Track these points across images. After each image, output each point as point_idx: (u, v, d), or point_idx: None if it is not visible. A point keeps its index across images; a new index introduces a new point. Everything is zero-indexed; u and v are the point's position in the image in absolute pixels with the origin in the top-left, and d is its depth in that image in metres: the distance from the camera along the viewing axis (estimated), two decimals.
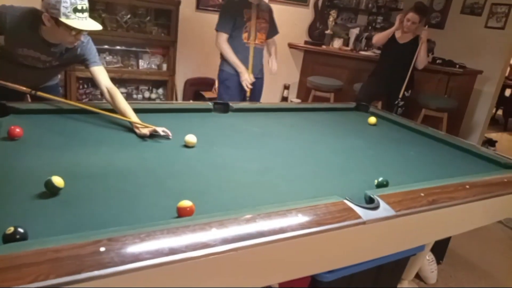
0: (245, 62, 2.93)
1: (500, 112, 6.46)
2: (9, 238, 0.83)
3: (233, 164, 1.52)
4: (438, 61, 4.41)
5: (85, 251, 0.81)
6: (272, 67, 3.05)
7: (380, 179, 1.40)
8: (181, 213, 1.05)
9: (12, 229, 0.84)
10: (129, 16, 3.66)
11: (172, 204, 1.08)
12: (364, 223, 1.10)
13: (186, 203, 1.06)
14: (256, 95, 3.10)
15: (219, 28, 2.89)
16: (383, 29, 4.37)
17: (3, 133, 1.47)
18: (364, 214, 1.12)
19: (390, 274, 1.68)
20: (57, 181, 1.10)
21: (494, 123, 6.17)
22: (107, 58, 3.73)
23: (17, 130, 1.45)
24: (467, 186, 1.41)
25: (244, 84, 2.89)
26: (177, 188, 1.25)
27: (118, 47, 3.78)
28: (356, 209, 1.13)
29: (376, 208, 1.17)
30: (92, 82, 3.73)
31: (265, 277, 1.05)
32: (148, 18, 3.79)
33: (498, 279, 2.43)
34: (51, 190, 1.09)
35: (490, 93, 4.59)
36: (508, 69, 6.10)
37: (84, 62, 1.94)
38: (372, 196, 1.22)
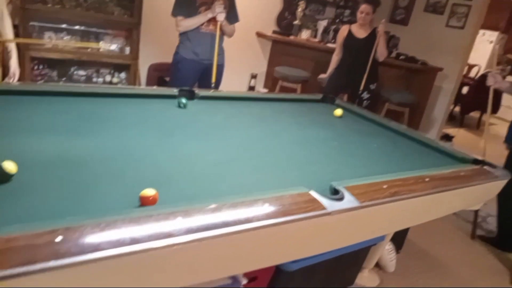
0: (201, 48, 2.92)
1: (457, 108, 6.76)
2: None
3: (196, 154, 1.48)
4: (401, 57, 4.54)
5: (40, 241, 0.76)
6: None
7: None
8: (144, 202, 1.02)
9: None
10: None
11: (134, 193, 1.04)
12: (329, 214, 1.11)
13: (149, 191, 1.02)
14: (211, 82, 3.04)
15: (175, 13, 2.89)
16: (350, 22, 4.43)
17: None
18: (330, 205, 1.13)
19: (352, 263, 1.72)
20: (8, 166, 1.02)
21: (452, 119, 6.46)
22: (65, 38, 3.55)
23: None
24: (427, 179, 1.46)
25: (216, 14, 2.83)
26: (138, 178, 1.20)
27: (77, 27, 3.59)
28: (321, 200, 1.14)
29: (341, 199, 1.18)
30: (48, 62, 3.55)
31: (230, 267, 1.04)
32: None
33: (451, 268, 2.56)
34: (1, 177, 1.02)
35: (449, 90, 4.79)
36: (466, 67, 6.40)
37: None
38: (337, 187, 1.24)
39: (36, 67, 3.50)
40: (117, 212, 0.91)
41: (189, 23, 2.86)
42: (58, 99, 1.75)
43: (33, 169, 1.13)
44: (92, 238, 0.80)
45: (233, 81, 4.63)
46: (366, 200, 1.21)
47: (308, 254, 1.26)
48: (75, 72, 3.74)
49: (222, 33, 2.97)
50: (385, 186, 1.31)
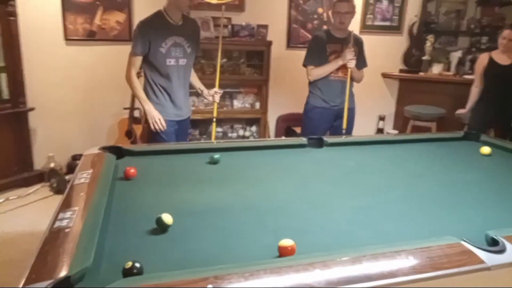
0: (331, 96, 2.98)
1: None
2: (128, 272, 0.89)
3: (331, 201, 1.47)
4: None
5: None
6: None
7: None
8: (283, 252, 1.04)
9: (130, 263, 0.91)
10: (225, 60, 3.92)
11: (273, 241, 1.07)
12: (488, 268, 0.97)
13: (287, 242, 1.04)
14: (347, 126, 3.03)
15: (306, 63, 3.02)
16: (488, 49, 4.01)
17: (120, 173, 1.63)
18: (488, 258, 0.99)
19: None
20: (167, 219, 1.17)
21: None
22: (205, 100, 4.00)
23: (132, 170, 1.60)
24: None
25: (347, 61, 2.86)
26: (276, 225, 1.25)
27: None
28: (477, 252, 1.00)
29: (501, 251, 1.02)
30: (192, 123, 4.01)
31: None
32: (242, 60, 4.02)
33: None
34: (161, 227, 1.17)
35: None
36: None
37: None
38: (495, 237, 1.08)
39: None
40: (259, 262, 0.95)
41: (320, 71, 2.95)
42: (202, 155, 1.94)
43: (186, 218, 1.27)
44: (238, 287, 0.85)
45: (360, 125, 4.54)
46: None
47: None
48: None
49: (352, 79, 2.99)
50: None
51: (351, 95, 3.06)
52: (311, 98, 3.08)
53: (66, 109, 3.73)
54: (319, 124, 3.04)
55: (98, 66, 3.73)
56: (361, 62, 3.03)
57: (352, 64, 2.86)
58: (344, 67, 2.90)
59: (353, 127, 3.14)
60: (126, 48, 3.87)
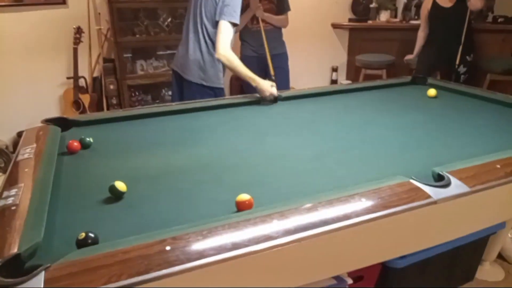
0: (256, 44, 3.07)
1: None
2: (82, 243, 0.86)
3: (287, 153, 1.48)
4: (500, 20, 4.04)
5: (152, 251, 0.82)
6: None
7: None
8: (240, 207, 1.04)
9: (83, 234, 0.88)
10: (170, 19, 3.74)
11: (231, 198, 1.07)
12: (435, 202, 1.03)
13: (244, 196, 1.05)
14: (281, 72, 3.13)
15: None
16: None
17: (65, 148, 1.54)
18: (434, 192, 1.04)
19: (469, 256, 1.56)
20: (120, 185, 1.13)
21: None
22: (154, 63, 3.84)
23: (75, 144, 1.51)
24: None
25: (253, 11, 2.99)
26: (233, 182, 1.25)
27: (162, 52, 3.86)
28: (424, 188, 1.06)
29: (446, 185, 1.09)
30: (143, 89, 3.88)
31: (332, 266, 1.01)
32: None
33: None
34: (116, 195, 1.13)
35: None
36: None
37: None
38: (441, 172, 1.14)
39: (133, 94, 3.84)
40: (217, 219, 0.95)
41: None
42: (155, 120, 1.90)
43: (141, 184, 1.24)
44: (196, 246, 0.84)
45: (314, 77, 4.58)
46: (476, 184, 1.09)
47: (416, 248, 1.17)
48: (166, 93, 4.02)
49: (273, 26, 3.09)
50: (498, 166, 1.17)
51: (280, 41, 3.20)
52: (242, 49, 3.18)
53: (4, 84, 3.45)
54: (256, 72, 3.04)
55: (31, 34, 3.43)
56: (281, 7, 3.12)
57: (258, 13, 2.95)
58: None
59: (288, 71, 3.27)
60: (61, 12, 3.59)
